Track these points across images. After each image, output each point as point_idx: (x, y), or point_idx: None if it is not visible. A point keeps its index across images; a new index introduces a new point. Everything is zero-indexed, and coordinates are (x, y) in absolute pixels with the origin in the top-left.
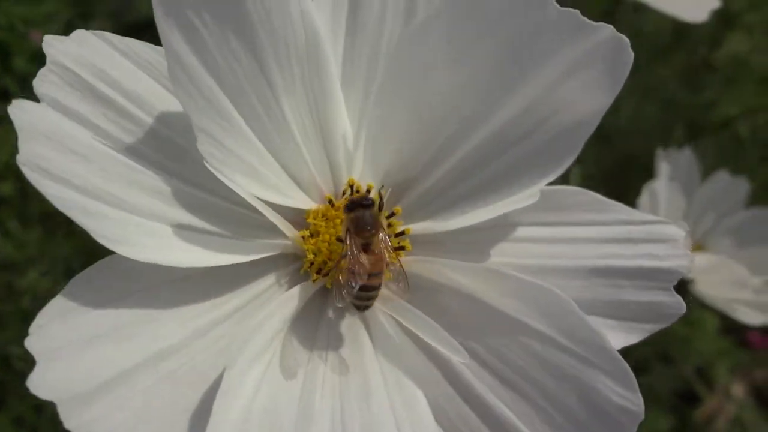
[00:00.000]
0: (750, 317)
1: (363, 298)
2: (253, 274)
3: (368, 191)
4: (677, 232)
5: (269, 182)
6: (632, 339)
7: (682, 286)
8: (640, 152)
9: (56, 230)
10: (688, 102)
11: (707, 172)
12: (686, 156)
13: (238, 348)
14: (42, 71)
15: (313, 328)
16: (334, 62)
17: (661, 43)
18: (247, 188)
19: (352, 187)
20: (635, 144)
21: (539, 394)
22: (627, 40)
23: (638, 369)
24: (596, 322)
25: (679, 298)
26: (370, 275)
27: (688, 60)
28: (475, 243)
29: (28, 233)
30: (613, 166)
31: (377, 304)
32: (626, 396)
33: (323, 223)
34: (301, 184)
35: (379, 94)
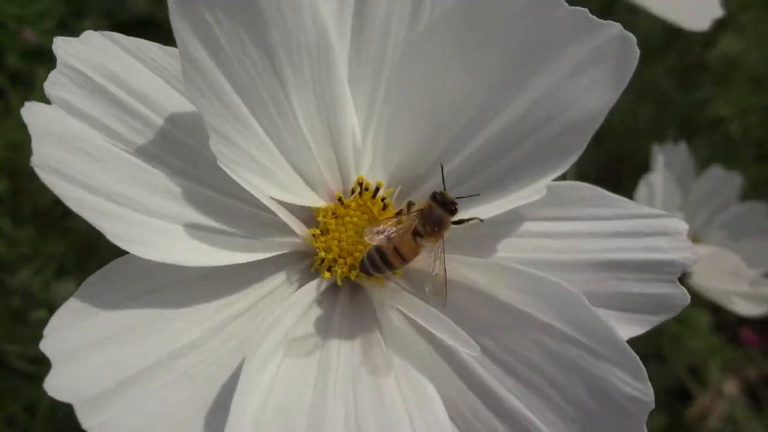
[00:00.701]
0: (746, 309)
1: (374, 263)
2: (263, 272)
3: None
4: (680, 224)
5: (280, 181)
6: (637, 330)
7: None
8: (634, 151)
9: (49, 229)
10: (681, 101)
11: (700, 170)
12: (681, 151)
13: (253, 346)
14: (53, 73)
15: (324, 325)
16: (342, 63)
17: (654, 42)
18: (259, 187)
19: (361, 185)
20: (629, 143)
21: (550, 386)
22: (634, 39)
23: None
24: (602, 314)
25: (683, 289)
26: (397, 251)
27: (682, 59)
28: (483, 238)
29: (20, 232)
30: (606, 165)
31: (387, 301)
32: (636, 386)
33: (333, 221)
34: (310, 182)
35: (387, 94)
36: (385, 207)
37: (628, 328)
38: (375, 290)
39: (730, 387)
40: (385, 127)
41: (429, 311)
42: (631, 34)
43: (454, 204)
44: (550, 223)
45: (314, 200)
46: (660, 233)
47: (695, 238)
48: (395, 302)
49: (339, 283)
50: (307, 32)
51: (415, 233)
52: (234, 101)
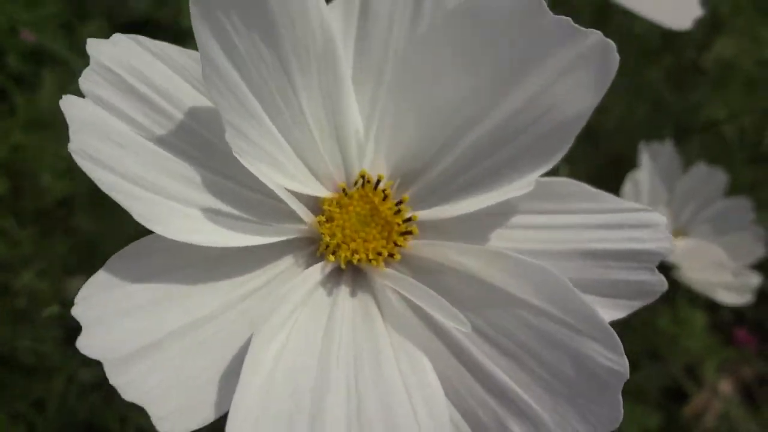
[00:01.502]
0: (729, 298)
1: None
2: (274, 255)
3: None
4: (659, 218)
5: (288, 172)
6: (619, 314)
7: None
8: (630, 152)
9: (51, 229)
10: (676, 104)
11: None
12: (667, 149)
13: (263, 318)
14: (86, 71)
15: (329, 303)
16: (346, 65)
17: (650, 45)
18: (269, 176)
19: (363, 177)
20: (624, 144)
21: (536, 362)
22: (614, 45)
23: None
24: (587, 300)
25: (661, 277)
26: None
27: (678, 62)
28: (476, 230)
29: (23, 232)
30: (602, 165)
31: (387, 283)
32: (614, 359)
33: (338, 210)
34: (317, 174)
35: (388, 94)
36: (385, 198)
37: (611, 312)
38: (375, 274)
39: (726, 386)
40: (386, 125)
41: (421, 289)
42: (610, 41)
43: None
44: (539, 216)
45: (320, 190)
46: (641, 225)
47: (682, 232)
48: (393, 283)
49: (343, 266)
50: (315, 38)
51: None
52: (248, 99)
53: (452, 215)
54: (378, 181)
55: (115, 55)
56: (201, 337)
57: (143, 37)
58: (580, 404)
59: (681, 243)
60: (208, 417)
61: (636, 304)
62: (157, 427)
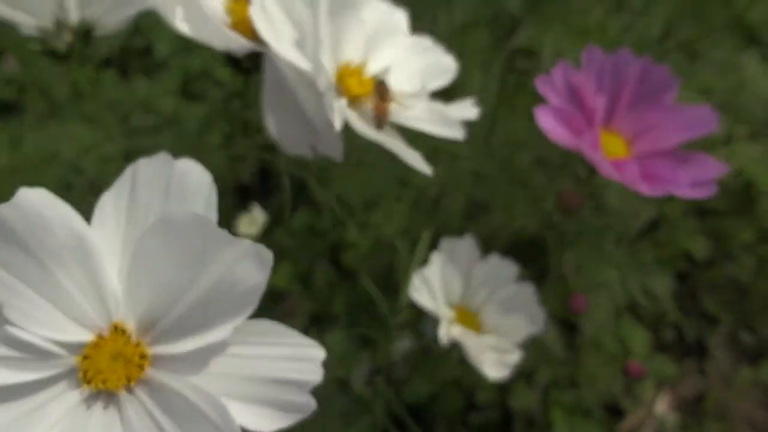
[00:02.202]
0: (492, 372)
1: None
2: (52, 382)
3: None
4: (320, 354)
5: (58, 327)
6: (283, 424)
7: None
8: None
9: None
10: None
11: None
12: (466, 242)
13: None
14: None
15: (87, 414)
16: (102, 250)
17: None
18: (40, 333)
19: (116, 327)
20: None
21: None
22: (263, 246)
23: (569, 384)
24: (262, 411)
25: (312, 400)
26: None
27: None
28: (199, 359)
29: None
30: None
31: (127, 402)
32: None
33: (95, 351)
34: (82, 325)
35: (133, 267)
36: (128, 339)
37: (278, 422)
38: (121, 394)
39: (663, 403)
40: (133, 290)
41: (138, 405)
42: (260, 245)
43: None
44: (240, 347)
45: (84, 336)
46: (306, 359)
47: (476, 313)
48: (128, 400)
49: (95, 390)
50: (64, 242)
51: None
52: (17, 285)
53: (178, 352)
54: (124, 330)
55: None
56: None
57: None
58: None
59: (455, 330)
60: None
61: (294, 416)
62: None
